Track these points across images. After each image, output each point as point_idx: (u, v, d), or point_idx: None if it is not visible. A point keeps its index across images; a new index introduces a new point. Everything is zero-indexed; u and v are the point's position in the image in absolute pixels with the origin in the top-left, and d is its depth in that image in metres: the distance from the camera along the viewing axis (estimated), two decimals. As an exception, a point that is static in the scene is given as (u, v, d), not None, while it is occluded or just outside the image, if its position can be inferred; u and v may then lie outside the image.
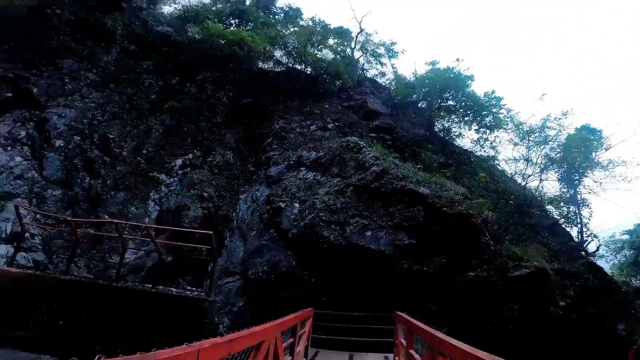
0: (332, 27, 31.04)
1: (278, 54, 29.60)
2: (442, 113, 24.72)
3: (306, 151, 21.18)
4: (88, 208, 16.87)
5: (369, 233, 14.67)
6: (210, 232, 11.34)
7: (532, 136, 22.92)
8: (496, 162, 24.81)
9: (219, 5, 31.04)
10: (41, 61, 18.89)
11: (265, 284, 15.06)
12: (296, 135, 23.18)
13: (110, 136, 19.21)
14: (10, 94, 17.35)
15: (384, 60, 31.74)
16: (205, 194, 19.75)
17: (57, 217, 14.77)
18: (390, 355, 10.05)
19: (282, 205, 17.23)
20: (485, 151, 24.80)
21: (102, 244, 14.82)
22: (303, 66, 28.53)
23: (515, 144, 23.85)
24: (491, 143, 24.47)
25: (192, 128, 21.94)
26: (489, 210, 16.42)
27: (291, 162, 20.69)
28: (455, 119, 24.99)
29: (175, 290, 11.28)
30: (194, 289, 12.31)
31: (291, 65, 29.39)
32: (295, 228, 15.95)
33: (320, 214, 15.73)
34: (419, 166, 18.72)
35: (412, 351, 6.09)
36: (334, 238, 14.75)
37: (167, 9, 31.04)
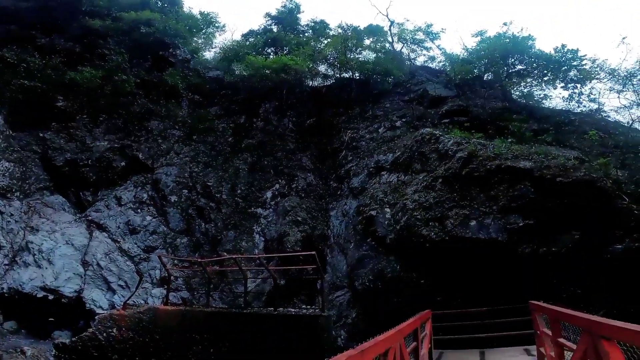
0: (362, 28, 30.57)
1: (322, 68, 30.16)
2: (514, 79, 22.37)
3: (382, 155, 21.08)
4: (210, 248, 19.70)
5: (473, 223, 13.73)
6: (312, 252, 12.13)
7: (635, 79, 19.14)
8: (604, 114, 20.94)
9: (251, 40, 33.39)
10: (134, 127, 22.65)
11: (374, 293, 15.20)
12: (367, 141, 23.23)
13: (209, 184, 22.21)
14: (123, 163, 21.52)
15: (428, 44, 29.97)
16: (299, 218, 21.14)
17: (190, 260, 17.60)
18: (532, 347, 9.16)
19: (373, 213, 17.35)
20: (585, 106, 21.26)
21: (227, 277, 17.05)
22: (350, 73, 28.64)
23: (619, 92, 20.01)
24: (588, 96, 20.97)
25: (270, 160, 23.85)
26: (617, 168, 13.83)
27: (370, 169, 20.81)
28: (533, 81, 22.53)
29: (293, 310, 12.27)
30: (308, 307, 13.19)
31: (338, 75, 29.70)
32: (391, 233, 15.88)
33: (415, 214, 15.38)
34: (509, 140, 16.94)
35: (561, 340, 5.67)
36: (435, 235, 14.22)
37: (208, 55, 34.84)
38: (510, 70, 23.08)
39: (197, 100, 26.27)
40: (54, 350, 11.57)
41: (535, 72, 22.09)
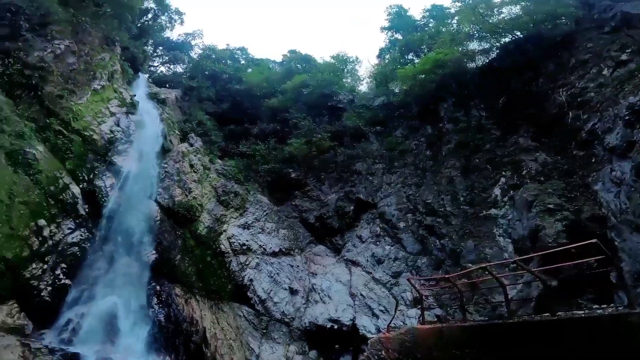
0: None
1: (473, 46, 25.65)
2: None
3: (633, 96, 14.44)
4: (452, 263, 18.58)
5: None
6: (594, 240, 8.95)
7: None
8: None
9: (387, 56, 33.91)
10: (345, 174, 25.70)
11: None
12: (594, 90, 17.20)
13: (428, 201, 21.69)
14: (352, 207, 24.77)
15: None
16: (551, 206, 16.71)
17: (435, 278, 17.13)
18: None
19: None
20: None
21: (478, 289, 15.18)
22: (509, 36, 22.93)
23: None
24: None
25: (480, 156, 20.86)
26: None
27: (625, 117, 14.56)
28: None
29: (581, 312, 9.06)
30: (604, 305, 9.38)
31: (498, 44, 24.32)
32: None
33: None
34: None
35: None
36: None
37: (363, 88, 36.21)
38: None
39: (378, 130, 27.38)
40: None
41: None
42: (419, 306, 15.31)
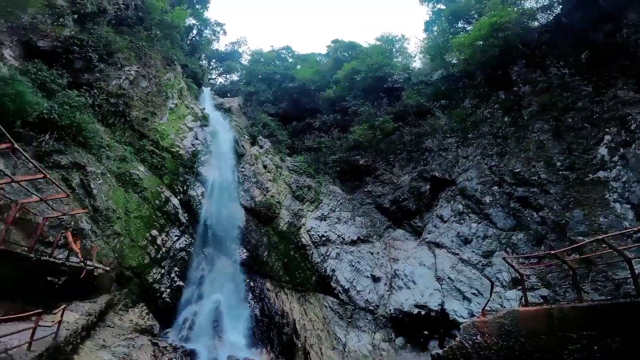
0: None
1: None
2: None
3: None
4: (556, 237, 16.25)
5: None
6: None
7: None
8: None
9: (434, 29, 30.86)
10: (416, 154, 24.79)
11: None
12: None
13: (517, 170, 19.22)
14: (428, 186, 23.63)
15: None
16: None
17: (537, 255, 15.20)
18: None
19: None
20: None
21: (594, 264, 12.97)
22: None
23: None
24: None
25: (573, 115, 17.90)
26: None
27: None
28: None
29: None
30: None
31: None
32: None
33: None
34: None
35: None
36: None
37: (416, 65, 34.56)
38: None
39: (443, 104, 26.08)
40: None
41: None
42: (519, 287, 13.85)
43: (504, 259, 14.13)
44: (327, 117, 32.36)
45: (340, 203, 24.97)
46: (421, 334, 16.68)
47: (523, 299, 12.87)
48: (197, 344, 14.95)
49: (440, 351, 12.87)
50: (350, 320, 18.21)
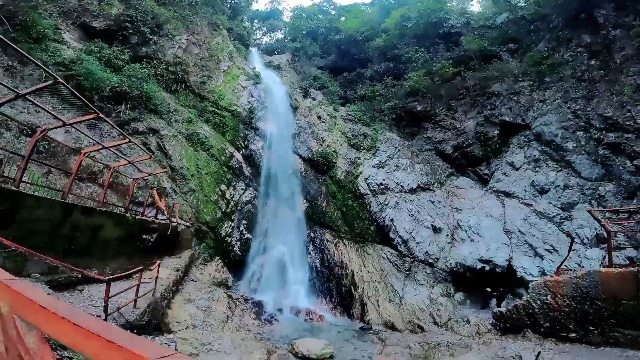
0: None
1: None
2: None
3: None
4: (655, 189, 13.85)
5: None
6: None
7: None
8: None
9: None
10: (482, 98, 22.98)
11: None
12: None
13: (608, 114, 16.43)
14: (497, 130, 21.62)
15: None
16: None
17: (628, 210, 13.30)
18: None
19: None
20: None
21: None
22: None
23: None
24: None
25: None
26: None
27: None
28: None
29: None
30: None
31: None
32: None
33: None
34: None
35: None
36: None
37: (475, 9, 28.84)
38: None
39: (512, 48, 24.38)
40: (491, 319, 12.78)
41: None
42: (604, 245, 12.51)
43: (589, 212, 12.66)
44: (379, 66, 31.68)
45: (398, 150, 24.04)
46: (483, 290, 16.32)
47: (607, 259, 11.69)
48: (264, 295, 16.53)
49: (503, 309, 12.69)
50: (408, 272, 18.46)
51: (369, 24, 34.96)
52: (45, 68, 5.99)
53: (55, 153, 12.27)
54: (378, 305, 16.53)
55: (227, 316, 12.57)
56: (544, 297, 11.19)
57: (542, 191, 18.02)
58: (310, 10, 44.43)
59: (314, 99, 27.57)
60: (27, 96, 6.18)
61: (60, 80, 5.74)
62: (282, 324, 14.28)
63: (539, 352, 9.54)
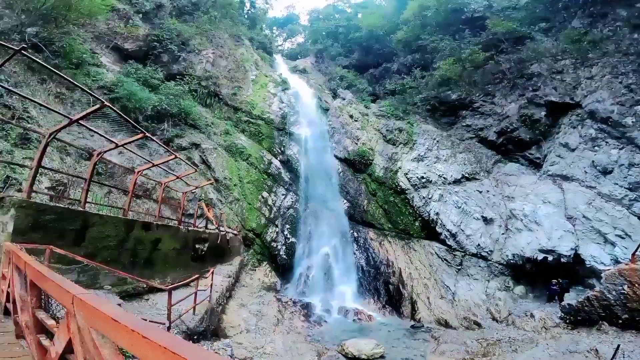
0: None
1: None
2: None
3: None
4: None
5: None
6: None
7: None
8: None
9: None
10: (536, 80, 20.60)
11: None
12: None
13: None
14: (543, 112, 19.98)
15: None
16: None
17: None
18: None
19: None
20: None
21: None
22: None
23: None
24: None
25: None
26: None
27: None
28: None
29: None
30: None
31: None
32: None
33: None
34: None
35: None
36: None
37: None
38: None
39: (544, 27, 23.44)
40: (559, 312, 11.68)
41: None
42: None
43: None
44: (404, 58, 31.20)
45: (437, 141, 23.07)
46: (546, 282, 15.02)
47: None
48: (312, 297, 16.64)
49: (572, 301, 11.57)
50: (459, 267, 17.55)
51: (388, 17, 34.43)
52: (92, 93, 6.45)
53: (113, 174, 13.34)
54: (429, 302, 15.92)
55: (278, 319, 12.80)
56: (620, 287, 10.06)
57: (605, 172, 16.31)
58: (326, 11, 44.90)
59: (343, 99, 27.47)
60: (79, 121, 6.56)
61: (107, 103, 6.11)
62: (331, 325, 14.27)
63: (618, 345, 8.56)
